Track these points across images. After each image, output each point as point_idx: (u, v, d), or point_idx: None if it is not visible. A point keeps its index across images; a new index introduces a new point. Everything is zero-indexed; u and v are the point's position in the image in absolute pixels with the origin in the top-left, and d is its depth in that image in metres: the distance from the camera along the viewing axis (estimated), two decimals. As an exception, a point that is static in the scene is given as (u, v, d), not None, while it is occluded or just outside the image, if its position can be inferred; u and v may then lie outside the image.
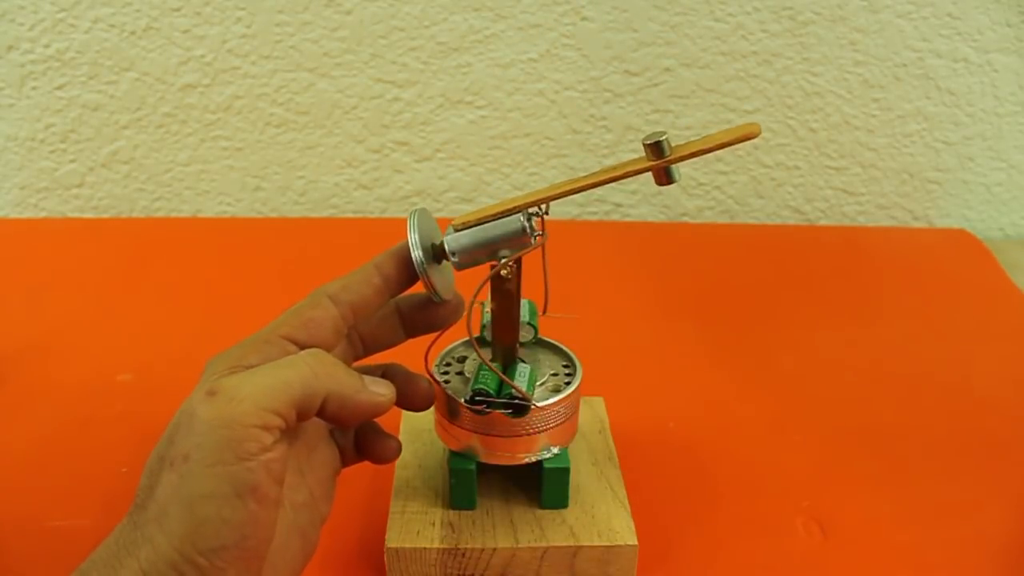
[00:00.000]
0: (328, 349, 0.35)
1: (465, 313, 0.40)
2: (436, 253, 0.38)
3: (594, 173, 0.37)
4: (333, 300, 0.36)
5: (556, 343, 0.45)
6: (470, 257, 0.38)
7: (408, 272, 0.38)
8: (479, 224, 0.38)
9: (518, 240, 0.38)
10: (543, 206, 0.38)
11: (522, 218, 0.37)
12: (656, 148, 0.35)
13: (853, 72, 0.82)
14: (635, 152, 0.86)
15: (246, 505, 0.29)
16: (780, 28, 0.80)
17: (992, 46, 0.81)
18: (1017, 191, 0.88)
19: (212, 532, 0.29)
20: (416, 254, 0.37)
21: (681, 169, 0.36)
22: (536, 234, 0.38)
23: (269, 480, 0.30)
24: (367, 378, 0.35)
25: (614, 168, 0.36)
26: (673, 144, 0.35)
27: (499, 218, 0.38)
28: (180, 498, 0.29)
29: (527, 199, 0.38)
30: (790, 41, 0.81)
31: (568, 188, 0.37)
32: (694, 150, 0.35)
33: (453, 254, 0.38)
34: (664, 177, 0.35)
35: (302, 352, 0.34)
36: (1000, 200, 0.88)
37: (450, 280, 0.40)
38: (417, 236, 0.37)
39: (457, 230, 0.38)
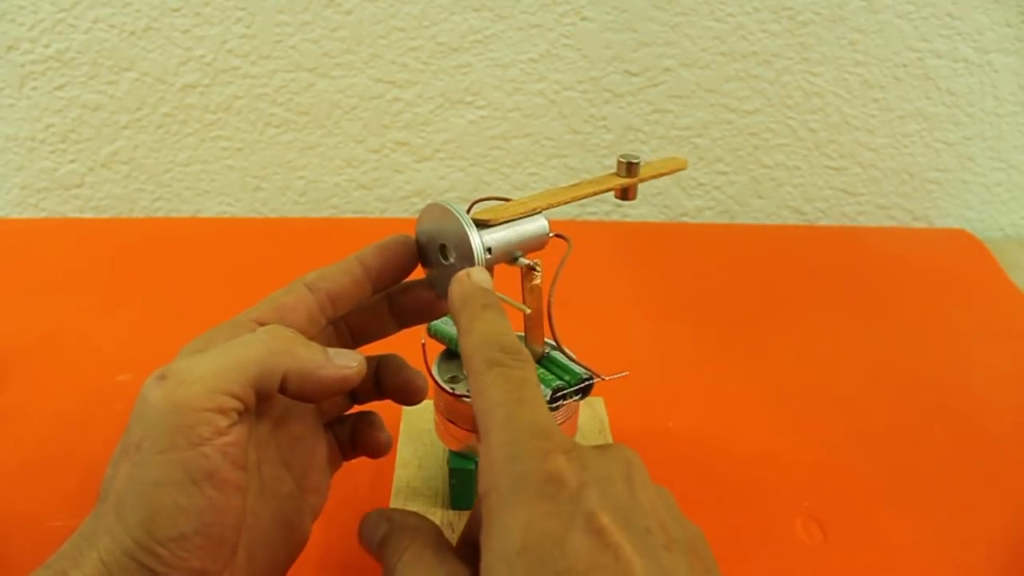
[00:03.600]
0: (310, 331, 0.35)
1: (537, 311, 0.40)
2: None
3: (576, 185, 0.40)
4: (310, 288, 0.35)
5: (556, 343, 0.45)
6: (497, 257, 0.37)
7: (393, 266, 0.37)
8: (507, 223, 0.37)
9: (539, 241, 0.38)
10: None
11: (544, 219, 0.38)
12: (631, 168, 0.41)
13: (853, 72, 0.82)
14: (635, 152, 0.86)
15: (203, 491, 0.28)
16: (780, 28, 0.80)
17: (992, 46, 0.81)
18: (1017, 191, 0.88)
19: (169, 520, 0.28)
20: (476, 243, 0.35)
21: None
22: (554, 235, 0.39)
23: (227, 464, 0.29)
24: (332, 350, 0.33)
25: (597, 181, 0.41)
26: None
27: (522, 219, 0.38)
28: (135, 486, 0.28)
29: (538, 202, 0.38)
30: (790, 41, 0.81)
31: (556, 200, 0.39)
32: (650, 175, 0.41)
33: (490, 251, 0.36)
34: (630, 194, 0.41)
35: (259, 329, 0.33)
36: (1000, 200, 0.88)
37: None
38: (475, 227, 0.36)
39: (480, 226, 0.37)
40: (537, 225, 0.38)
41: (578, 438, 0.45)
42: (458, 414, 0.41)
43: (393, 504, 0.43)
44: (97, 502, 0.30)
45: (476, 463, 0.42)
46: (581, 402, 0.44)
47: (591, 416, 0.50)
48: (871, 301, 0.72)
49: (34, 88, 0.81)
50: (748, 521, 0.48)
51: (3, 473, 0.50)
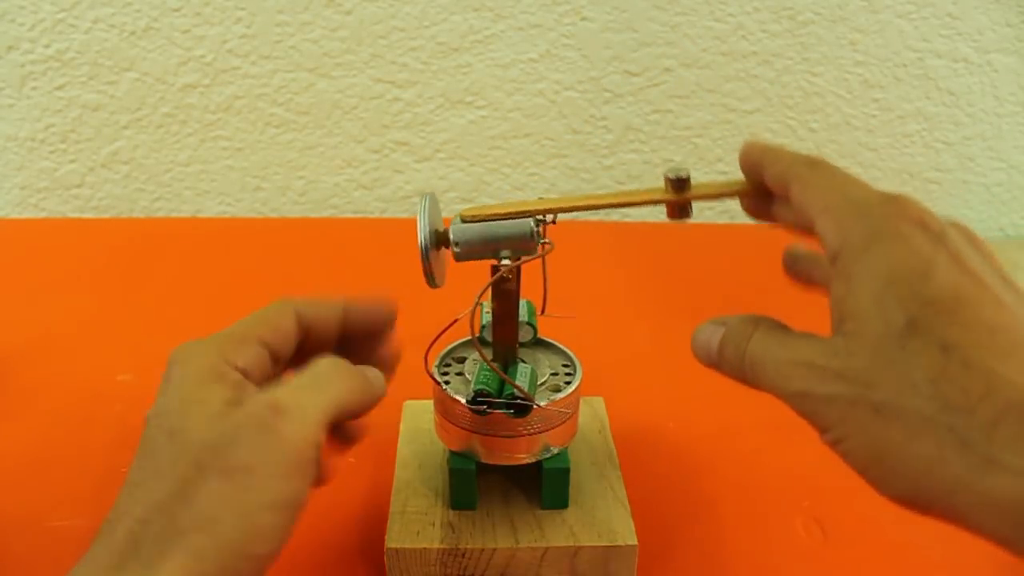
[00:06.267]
0: (285, 356, 0.36)
1: (469, 312, 0.40)
2: (439, 239, 0.38)
3: (612, 193, 0.39)
4: (297, 314, 0.36)
5: (555, 343, 0.45)
6: (472, 250, 0.38)
7: (368, 327, 0.38)
8: (489, 220, 0.38)
9: (523, 243, 0.38)
10: (553, 215, 0.38)
11: (532, 223, 0.38)
12: (678, 184, 0.38)
13: (853, 72, 0.82)
14: (634, 152, 0.86)
15: (294, 516, 0.31)
16: (780, 28, 0.80)
17: (992, 46, 0.81)
18: (1017, 191, 0.88)
19: (264, 540, 0.30)
20: (421, 237, 0.37)
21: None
22: (542, 241, 0.38)
23: (309, 491, 0.31)
24: (371, 372, 0.36)
25: (633, 193, 0.39)
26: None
27: (510, 218, 0.38)
28: (238, 507, 0.30)
29: (541, 205, 0.38)
30: (790, 41, 0.81)
31: (583, 204, 0.38)
32: (706, 193, 0.39)
33: (456, 244, 0.38)
34: (678, 212, 0.39)
35: (331, 366, 0.34)
36: (1000, 200, 0.88)
37: (443, 269, 0.40)
38: (427, 219, 0.37)
39: (465, 221, 0.38)
40: (517, 225, 0.38)
41: (578, 438, 0.45)
42: (455, 413, 0.41)
43: (393, 504, 0.43)
44: (145, 516, 0.30)
45: (476, 463, 0.42)
46: (581, 402, 0.44)
47: (591, 416, 0.50)
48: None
49: (34, 88, 0.81)
50: (748, 521, 0.48)
51: (3, 473, 0.50)
